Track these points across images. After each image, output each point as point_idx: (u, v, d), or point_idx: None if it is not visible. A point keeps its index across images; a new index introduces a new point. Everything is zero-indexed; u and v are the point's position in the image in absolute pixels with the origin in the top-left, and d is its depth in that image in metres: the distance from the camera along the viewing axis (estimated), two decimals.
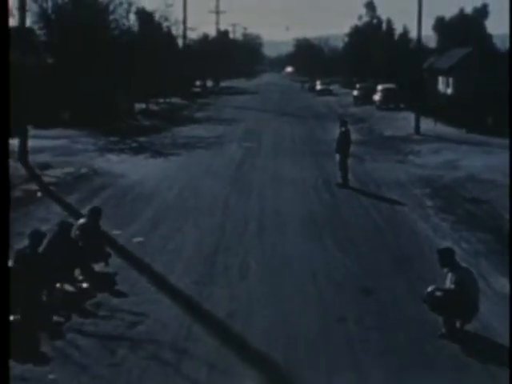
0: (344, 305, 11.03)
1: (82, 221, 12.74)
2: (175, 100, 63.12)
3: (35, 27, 42.19)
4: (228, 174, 23.84)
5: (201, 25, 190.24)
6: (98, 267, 12.23)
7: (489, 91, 41.32)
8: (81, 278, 11.85)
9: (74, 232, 12.22)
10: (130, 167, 25.18)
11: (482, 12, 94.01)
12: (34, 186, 21.44)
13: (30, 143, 26.19)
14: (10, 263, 10.13)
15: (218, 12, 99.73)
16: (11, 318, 9.77)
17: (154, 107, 54.49)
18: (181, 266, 12.94)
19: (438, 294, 9.71)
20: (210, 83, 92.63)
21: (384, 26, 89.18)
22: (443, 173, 24.33)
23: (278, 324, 10.25)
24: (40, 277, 10.41)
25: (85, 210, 15.16)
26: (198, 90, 78.89)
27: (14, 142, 25.78)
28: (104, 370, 8.62)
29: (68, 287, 11.51)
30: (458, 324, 9.78)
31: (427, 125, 38.62)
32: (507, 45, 51.15)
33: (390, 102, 54.59)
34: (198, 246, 14.34)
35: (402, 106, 52.16)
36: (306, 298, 11.40)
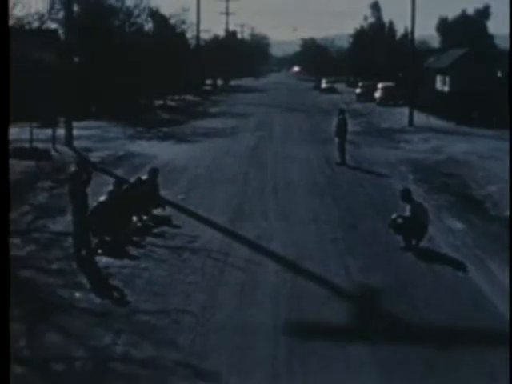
0: (336, 233, 15.48)
1: (144, 177, 17.15)
2: (189, 97, 67.61)
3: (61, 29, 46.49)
4: (245, 155, 28.27)
5: (212, 26, 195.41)
6: (157, 212, 16.65)
7: (479, 89, 45.67)
8: (145, 218, 16.27)
9: None
10: (161, 150, 29.54)
11: (484, 13, 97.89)
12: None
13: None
14: (103, 198, 14.60)
15: (227, 13, 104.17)
16: (107, 238, 14.24)
17: (171, 103, 59.04)
18: (217, 211, 17.44)
19: (399, 220, 14.11)
20: (219, 82, 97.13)
21: (386, 27, 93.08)
22: (428, 156, 28.64)
23: (290, 243, 14.68)
24: (121, 210, 14.83)
25: (132, 179, 19.55)
26: (208, 88, 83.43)
27: (60, 131, 30.47)
28: (177, 261, 13.10)
29: (137, 223, 15.95)
30: (413, 242, 14.15)
31: (421, 118, 42.97)
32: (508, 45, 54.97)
33: (390, 98, 58.89)
34: (227, 201, 18.83)
35: (401, 102, 56.32)
36: (309, 231, 15.82)
